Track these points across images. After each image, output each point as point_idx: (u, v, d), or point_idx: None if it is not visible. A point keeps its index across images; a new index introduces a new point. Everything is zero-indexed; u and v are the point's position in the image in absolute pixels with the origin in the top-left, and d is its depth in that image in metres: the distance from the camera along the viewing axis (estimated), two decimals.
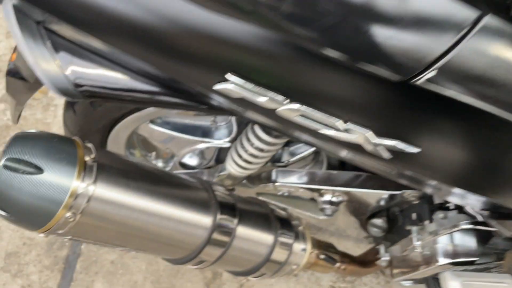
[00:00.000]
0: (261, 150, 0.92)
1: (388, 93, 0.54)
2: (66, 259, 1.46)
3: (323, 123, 0.58)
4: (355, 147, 0.60)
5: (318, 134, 0.60)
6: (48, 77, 0.63)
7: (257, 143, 0.90)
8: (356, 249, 1.42)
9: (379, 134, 0.57)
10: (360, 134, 0.57)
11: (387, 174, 0.72)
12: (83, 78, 0.64)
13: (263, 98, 0.56)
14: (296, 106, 0.57)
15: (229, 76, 0.57)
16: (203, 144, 1.14)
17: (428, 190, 0.71)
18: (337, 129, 0.57)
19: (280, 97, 0.57)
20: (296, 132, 0.64)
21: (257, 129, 0.88)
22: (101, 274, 1.45)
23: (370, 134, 0.57)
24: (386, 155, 0.58)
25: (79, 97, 0.65)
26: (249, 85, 0.57)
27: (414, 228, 1.03)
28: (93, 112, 1.01)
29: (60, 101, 1.89)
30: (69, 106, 1.04)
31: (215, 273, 1.48)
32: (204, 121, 1.16)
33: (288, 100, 0.57)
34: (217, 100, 0.62)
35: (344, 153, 0.65)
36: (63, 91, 0.64)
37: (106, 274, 1.45)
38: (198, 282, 1.46)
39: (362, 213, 1.19)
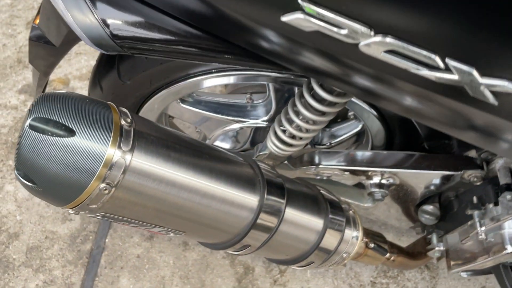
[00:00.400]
0: (307, 121, 0.83)
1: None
2: (90, 253, 1.39)
3: (417, 60, 0.48)
4: (451, 93, 0.49)
5: (405, 77, 0.49)
6: (82, 27, 0.55)
7: (305, 112, 0.81)
8: (397, 242, 1.32)
9: (484, 73, 0.47)
10: (463, 73, 0.46)
11: (458, 131, 0.60)
12: (122, 28, 0.56)
13: (344, 30, 0.47)
14: (384, 38, 0.47)
15: (301, 2, 0.47)
16: (238, 124, 1.06)
17: (502, 146, 0.59)
18: (436, 68, 0.47)
19: (364, 28, 0.47)
20: (371, 79, 0.53)
21: (307, 96, 0.78)
22: (127, 269, 1.37)
23: (475, 73, 0.47)
24: (492, 100, 0.48)
25: (116, 50, 0.57)
26: (326, 13, 0.47)
27: (476, 213, 0.93)
28: (121, 87, 0.93)
29: (81, 92, 1.83)
30: (95, 82, 0.96)
31: (246, 267, 1.39)
32: (239, 99, 1.08)
33: (373, 32, 0.47)
34: (278, 44, 0.53)
35: (426, 103, 0.54)
36: (98, 43, 0.56)
37: (132, 269, 1.37)
38: (229, 277, 1.37)
39: (411, 199, 1.09)
